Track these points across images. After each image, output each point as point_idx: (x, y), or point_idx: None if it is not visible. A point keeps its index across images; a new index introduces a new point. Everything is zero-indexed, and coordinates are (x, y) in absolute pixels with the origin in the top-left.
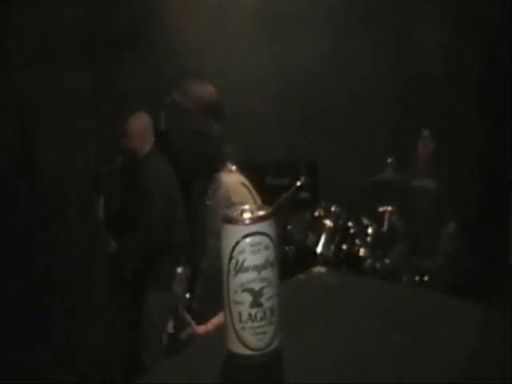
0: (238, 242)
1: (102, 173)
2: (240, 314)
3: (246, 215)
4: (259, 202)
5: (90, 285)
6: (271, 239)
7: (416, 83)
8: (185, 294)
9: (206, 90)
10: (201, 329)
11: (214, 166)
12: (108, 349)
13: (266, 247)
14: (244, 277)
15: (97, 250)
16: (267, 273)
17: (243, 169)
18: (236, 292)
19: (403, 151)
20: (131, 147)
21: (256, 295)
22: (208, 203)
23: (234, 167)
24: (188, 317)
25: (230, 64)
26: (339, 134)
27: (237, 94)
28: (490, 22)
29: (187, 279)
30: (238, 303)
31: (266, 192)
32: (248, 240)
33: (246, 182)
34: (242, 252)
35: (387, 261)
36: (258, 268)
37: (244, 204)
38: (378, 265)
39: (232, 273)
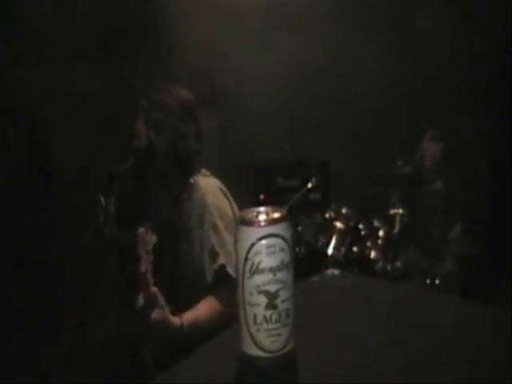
0: (253, 244)
1: (115, 172)
2: (255, 316)
3: (262, 217)
4: (235, 206)
5: (100, 283)
6: (286, 241)
7: (425, 83)
8: (150, 270)
9: (180, 91)
10: (173, 318)
11: (190, 169)
12: (116, 346)
13: (282, 249)
14: (259, 279)
15: (107, 249)
16: (282, 275)
17: (255, 170)
18: (251, 294)
19: (413, 152)
20: (143, 146)
21: (271, 297)
22: (183, 206)
23: (208, 172)
24: (162, 300)
25: (240, 64)
26: (350, 135)
27: (247, 94)
28: (497, 22)
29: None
30: (253, 305)
31: (277, 193)
32: (264, 242)
33: (222, 186)
34: (257, 254)
35: (398, 263)
36: (273, 270)
37: (218, 206)
38: (389, 267)
39: (247, 274)
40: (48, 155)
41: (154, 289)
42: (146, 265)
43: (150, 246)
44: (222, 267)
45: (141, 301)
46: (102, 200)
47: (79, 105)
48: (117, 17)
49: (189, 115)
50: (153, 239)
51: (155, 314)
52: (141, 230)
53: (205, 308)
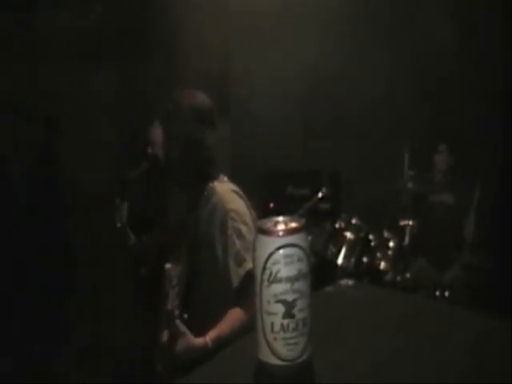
0: (271, 253)
1: (128, 178)
2: (272, 325)
3: (280, 227)
4: (252, 210)
5: (114, 285)
6: (304, 251)
7: (438, 92)
8: (176, 305)
9: (198, 98)
10: (198, 341)
11: (206, 175)
12: (129, 348)
13: (300, 259)
14: (277, 288)
15: (121, 252)
16: (300, 284)
17: (265, 178)
18: (269, 302)
19: (424, 164)
20: (156, 153)
21: (289, 306)
22: (201, 211)
23: (225, 178)
24: (183, 327)
25: (252, 71)
26: (361, 145)
27: (259, 102)
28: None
29: (179, 293)
30: (270, 314)
31: (287, 202)
32: (282, 251)
33: (238, 190)
34: (275, 263)
35: (408, 274)
36: (291, 279)
37: (238, 210)
38: (398, 278)
39: (265, 283)
40: (61, 157)
41: (178, 321)
42: (172, 302)
43: (175, 281)
44: (250, 272)
45: (164, 336)
46: (118, 205)
47: (93, 108)
48: (131, 21)
49: (203, 122)
50: (177, 272)
51: (180, 345)
52: (168, 266)
53: (229, 322)
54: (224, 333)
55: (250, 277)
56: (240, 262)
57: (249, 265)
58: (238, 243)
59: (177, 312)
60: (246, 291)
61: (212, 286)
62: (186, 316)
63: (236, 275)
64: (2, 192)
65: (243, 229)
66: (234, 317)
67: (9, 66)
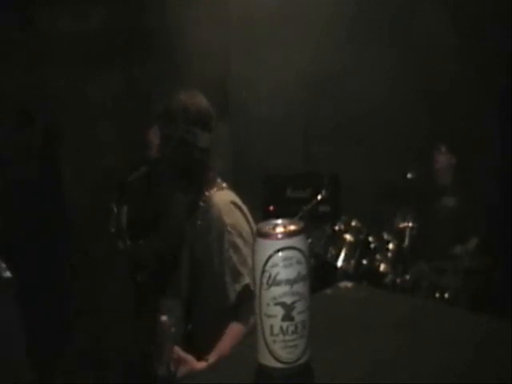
0: (270, 256)
1: (127, 181)
2: (272, 327)
3: (279, 229)
4: (251, 221)
5: (113, 286)
6: (303, 254)
7: (438, 96)
8: (172, 339)
9: (194, 100)
10: (200, 365)
11: (200, 179)
12: (129, 349)
13: (299, 262)
14: (276, 290)
15: (119, 255)
16: (299, 287)
17: (265, 181)
18: (268, 305)
19: (425, 166)
20: (155, 155)
21: (288, 309)
22: (199, 222)
23: (224, 184)
24: (185, 355)
25: (252, 74)
26: (361, 148)
27: (259, 105)
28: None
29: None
30: (269, 316)
31: (286, 204)
32: (281, 254)
33: (238, 201)
34: (274, 266)
35: (407, 276)
36: (290, 282)
37: (235, 224)
38: (398, 280)
39: (264, 286)
40: (60, 161)
41: (177, 353)
42: (169, 354)
43: (172, 330)
44: (247, 287)
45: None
46: (115, 209)
47: (92, 111)
48: (130, 25)
49: (197, 125)
50: (172, 321)
51: (183, 370)
52: (163, 318)
53: (229, 341)
54: (225, 353)
55: (247, 292)
56: (236, 277)
57: (245, 280)
58: (234, 257)
59: (180, 353)
60: (244, 306)
61: (212, 299)
62: (189, 327)
63: (233, 291)
64: (1, 194)
65: (239, 242)
66: (233, 334)
67: (9, 68)
